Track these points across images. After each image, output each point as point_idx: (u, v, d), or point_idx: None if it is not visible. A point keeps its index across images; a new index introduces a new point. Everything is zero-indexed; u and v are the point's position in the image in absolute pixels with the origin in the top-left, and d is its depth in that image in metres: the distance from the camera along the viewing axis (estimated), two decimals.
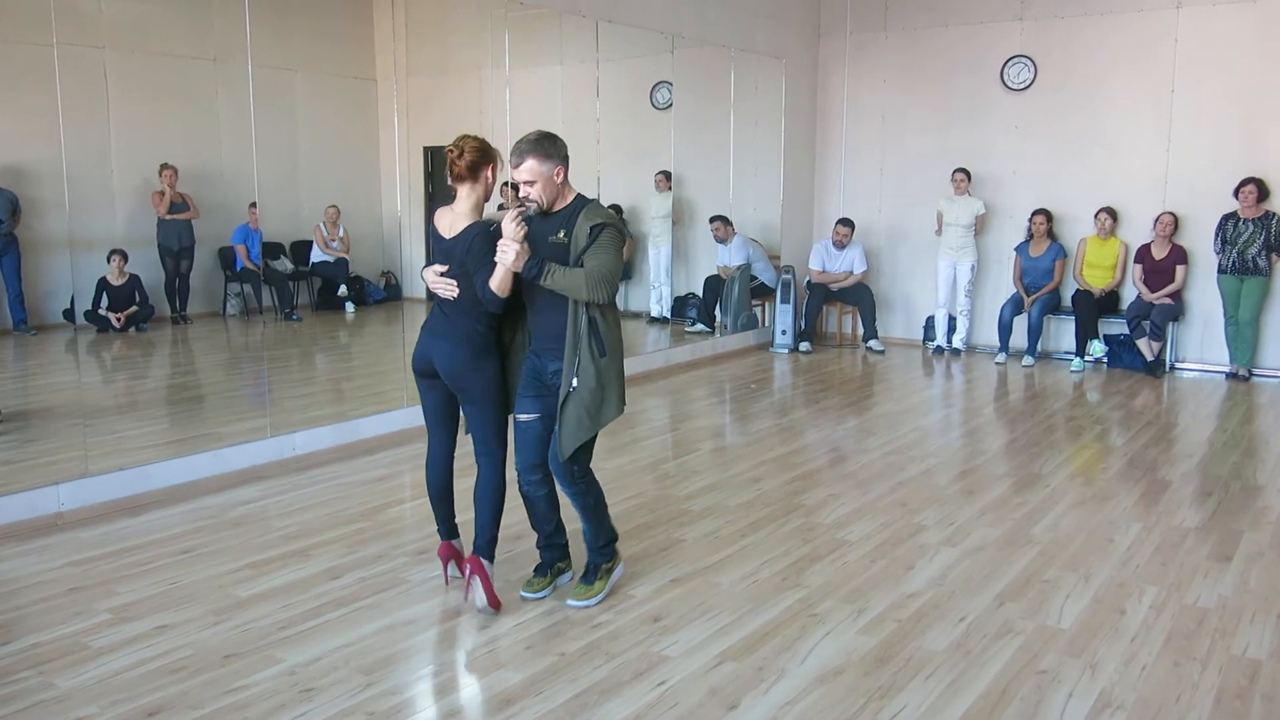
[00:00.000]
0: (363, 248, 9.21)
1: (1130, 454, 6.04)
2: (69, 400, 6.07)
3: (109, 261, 7.17)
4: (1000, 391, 8.07)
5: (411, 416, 6.34)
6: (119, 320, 7.29)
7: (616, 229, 3.49)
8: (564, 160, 3.50)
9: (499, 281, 3.45)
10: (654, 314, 9.92)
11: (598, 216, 3.48)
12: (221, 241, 7.92)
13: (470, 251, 3.50)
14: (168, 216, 7.48)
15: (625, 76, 9.38)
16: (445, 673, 3.29)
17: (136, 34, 7.49)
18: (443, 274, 3.60)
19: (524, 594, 3.83)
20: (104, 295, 7.24)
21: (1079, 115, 9.07)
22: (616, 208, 9.94)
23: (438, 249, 3.62)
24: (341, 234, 8.87)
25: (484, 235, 3.50)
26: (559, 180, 3.50)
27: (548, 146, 3.47)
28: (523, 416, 3.68)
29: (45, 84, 5.10)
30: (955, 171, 9.34)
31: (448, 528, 3.89)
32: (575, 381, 3.49)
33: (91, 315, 7.15)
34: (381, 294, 9.51)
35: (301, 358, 8.54)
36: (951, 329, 9.54)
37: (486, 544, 3.72)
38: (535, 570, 3.93)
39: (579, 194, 3.58)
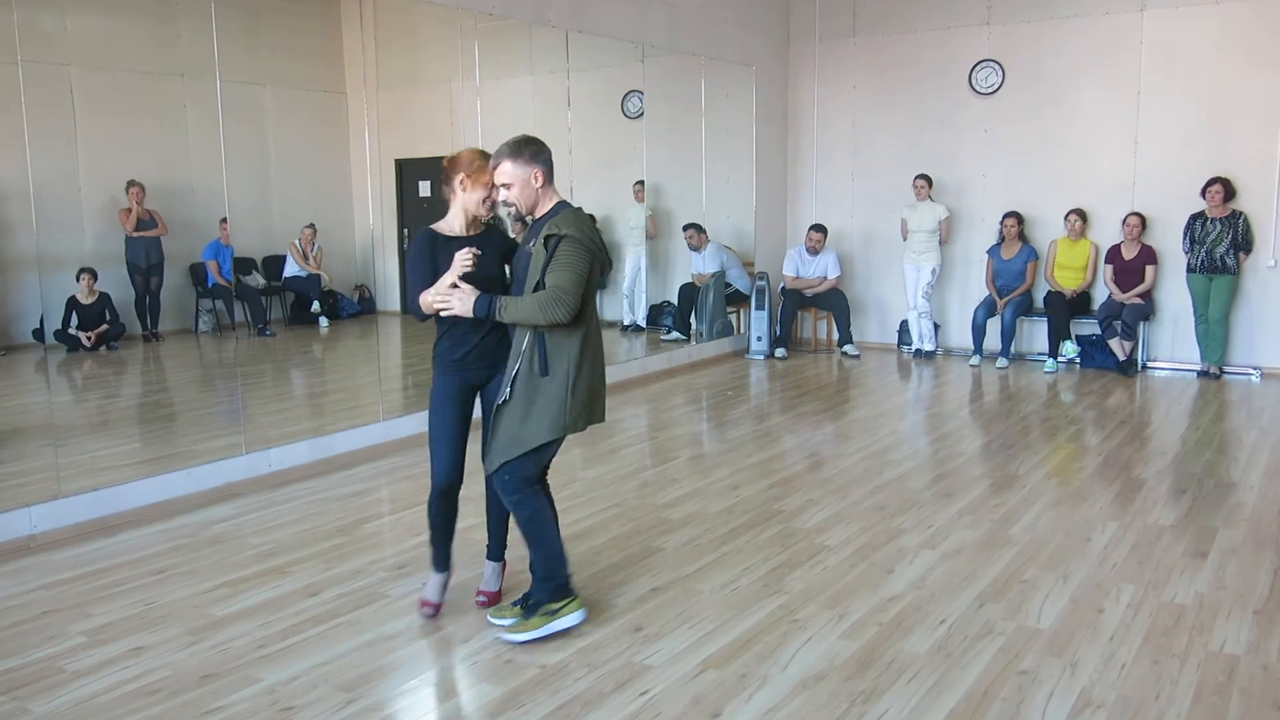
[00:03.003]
0: (335, 261, 9.16)
1: (1105, 453, 6.09)
2: (40, 421, 6.01)
3: (78, 280, 7.09)
4: (975, 394, 8.12)
5: (387, 430, 6.32)
6: (89, 339, 7.21)
7: (575, 239, 3.33)
8: (544, 165, 3.41)
9: (425, 304, 3.44)
10: (626, 323, 9.92)
11: (556, 227, 3.34)
12: (192, 258, 7.85)
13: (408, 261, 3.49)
14: (135, 234, 7.40)
15: (596, 86, 9.39)
16: (426, 688, 3.28)
17: (102, 50, 7.43)
18: (469, 263, 3.41)
19: (492, 619, 3.70)
20: (73, 314, 7.16)
21: (1047, 118, 9.17)
22: (591, 216, 9.94)
23: (449, 251, 3.46)
24: (316, 250, 8.82)
25: (416, 247, 3.55)
26: (538, 185, 3.41)
27: (525, 149, 3.38)
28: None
29: (10, 102, 5.05)
30: (916, 178, 9.42)
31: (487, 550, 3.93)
32: (508, 393, 3.41)
33: (61, 334, 7.07)
34: (355, 308, 9.46)
35: (275, 373, 8.49)
36: (922, 333, 9.60)
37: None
38: (516, 600, 3.79)
39: (561, 201, 3.46)
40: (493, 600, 3.85)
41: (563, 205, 3.46)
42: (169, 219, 7.58)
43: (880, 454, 6.09)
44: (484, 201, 3.54)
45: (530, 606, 3.60)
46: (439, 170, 3.67)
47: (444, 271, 3.44)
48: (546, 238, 3.33)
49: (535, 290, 3.33)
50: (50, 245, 5.91)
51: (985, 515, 4.89)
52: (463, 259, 3.37)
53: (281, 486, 5.52)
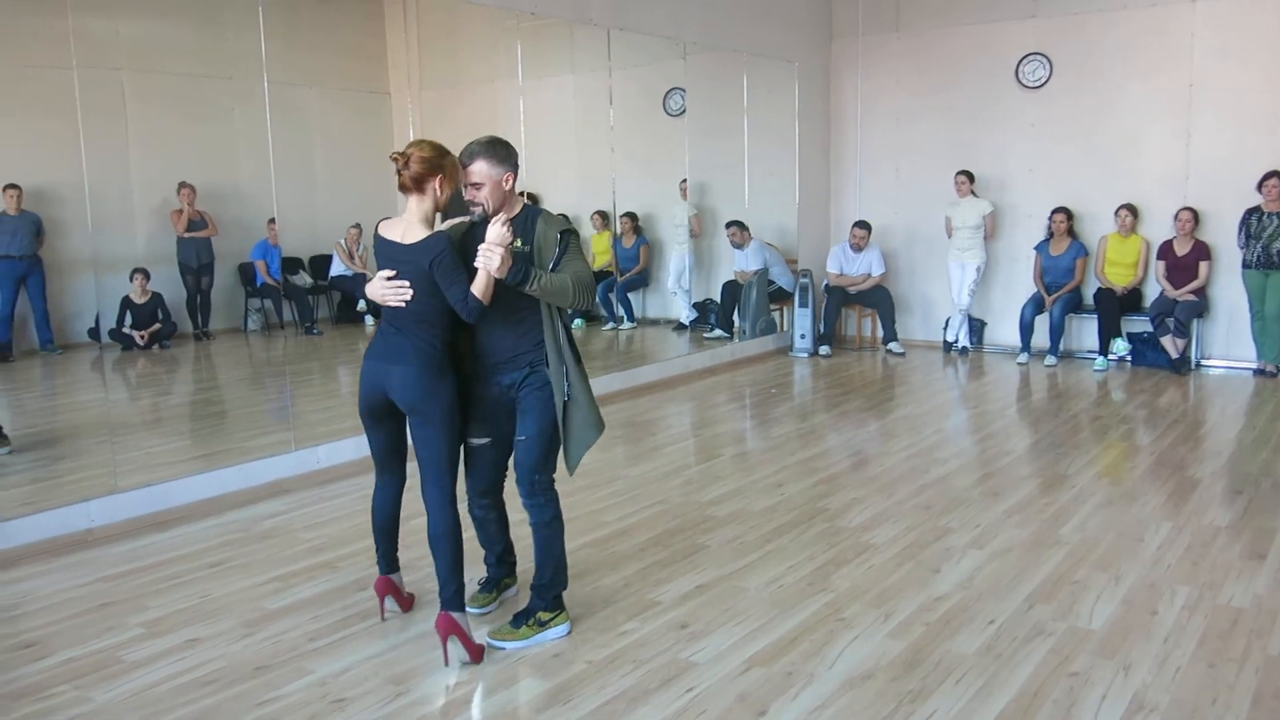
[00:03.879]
0: None
1: (1158, 453, 6.01)
2: (96, 418, 6.13)
3: (131, 280, 7.24)
4: (1023, 392, 8.04)
5: None
6: (142, 338, 7.36)
7: (578, 235, 3.46)
8: (514, 168, 3.39)
9: (482, 288, 3.25)
10: (683, 321, 9.94)
11: (560, 223, 3.39)
12: (241, 258, 7.98)
13: (438, 263, 3.23)
14: (186, 234, 7.54)
15: (638, 84, 9.41)
16: (474, 682, 3.31)
17: (153, 54, 7.57)
18: (391, 279, 3.31)
19: (470, 609, 3.69)
20: (127, 313, 7.32)
21: (1096, 111, 9.04)
22: (603, 214, 9.95)
23: (386, 257, 3.33)
24: (361, 250, 8.92)
25: (450, 245, 3.27)
26: (508, 187, 3.37)
27: (499, 151, 3.34)
28: (476, 441, 3.55)
29: (65, 107, 5.17)
30: (957, 175, 9.35)
31: (389, 562, 3.73)
32: (568, 391, 3.41)
33: (115, 334, 7.23)
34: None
35: (323, 371, 8.60)
36: (968, 327, 9.52)
37: (454, 596, 3.35)
38: (481, 586, 3.88)
39: (527, 204, 3.45)
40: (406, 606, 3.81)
41: (531, 207, 3.44)
42: (218, 219, 7.71)
43: (926, 452, 6.06)
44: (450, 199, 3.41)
45: (521, 614, 3.57)
46: None
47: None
48: (562, 232, 3.36)
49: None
50: (104, 246, 6.04)
51: (1034, 515, 4.85)
52: (502, 224, 3.27)
53: (330, 483, 5.60)
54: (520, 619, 3.56)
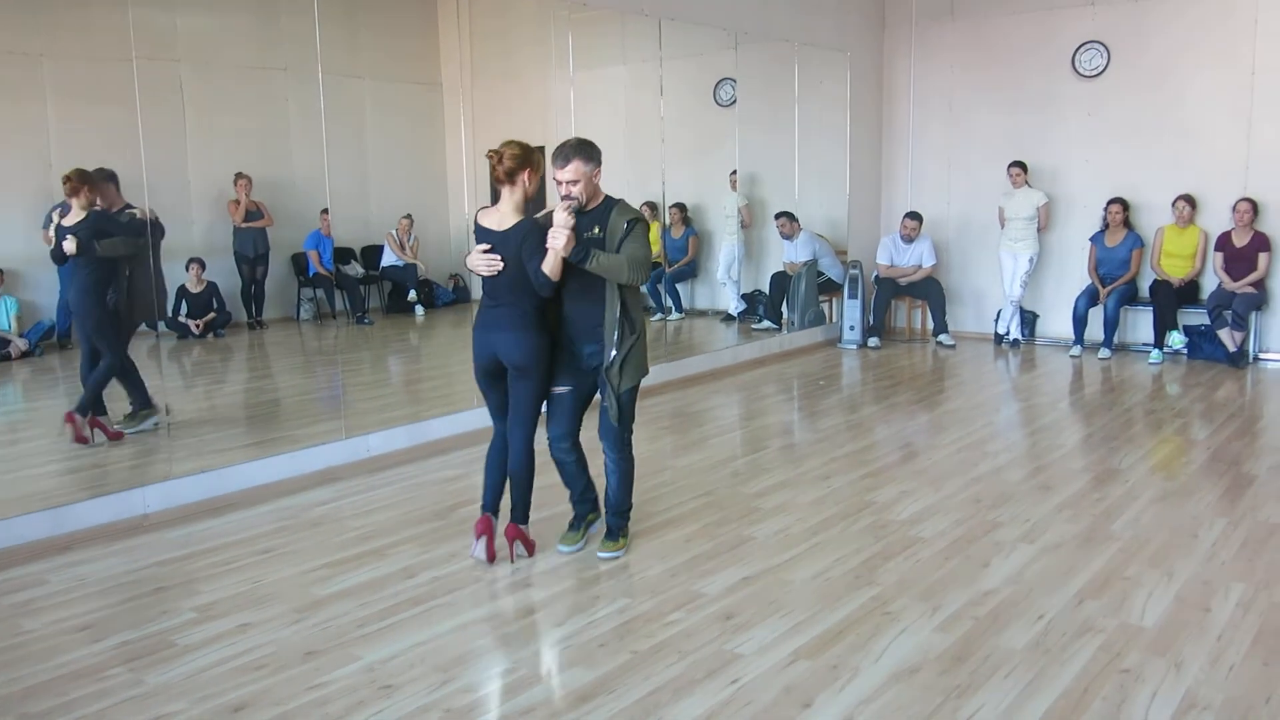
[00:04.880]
0: (431, 252, 9.32)
1: (1213, 448, 5.88)
2: (157, 403, 6.24)
3: (187, 270, 7.36)
4: (1075, 385, 7.91)
5: (482, 417, 6.41)
6: (198, 327, 7.47)
7: (645, 224, 4.02)
8: (600, 164, 3.97)
9: (551, 266, 3.88)
10: (731, 312, 9.91)
11: (630, 213, 3.98)
12: (294, 248, 8.07)
13: (525, 242, 3.90)
14: (243, 225, 7.65)
15: (688, 74, 9.37)
16: (519, 670, 3.33)
17: (210, 47, 7.67)
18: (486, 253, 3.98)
19: (562, 548, 4.29)
20: (183, 303, 7.43)
21: (1155, 100, 8.85)
22: (652, 204, 9.95)
23: (485, 241, 4.00)
24: (412, 240, 8.99)
25: (536, 228, 3.91)
26: (596, 181, 3.97)
27: (590, 150, 3.94)
28: (559, 389, 4.15)
29: (125, 98, 5.25)
30: (1010, 166, 9.21)
31: (493, 501, 4.23)
32: (614, 353, 4.01)
33: (172, 322, 7.35)
34: (450, 296, 9.61)
35: (373, 360, 8.68)
36: (1020, 319, 9.38)
37: (524, 513, 4.19)
38: (570, 525, 4.39)
39: (607, 195, 4.04)
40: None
41: (610, 198, 4.03)
42: (273, 210, 7.80)
43: (976, 445, 5.98)
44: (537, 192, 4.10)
45: (612, 530, 4.30)
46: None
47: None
48: (629, 220, 3.94)
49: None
50: (168, 238, 6.13)
51: (1086, 509, 4.77)
52: (566, 209, 3.87)
53: (380, 471, 5.65)
54: (614, 534, 4.29)
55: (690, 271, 10.24)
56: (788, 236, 9.69)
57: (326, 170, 6.33)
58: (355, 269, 8.72)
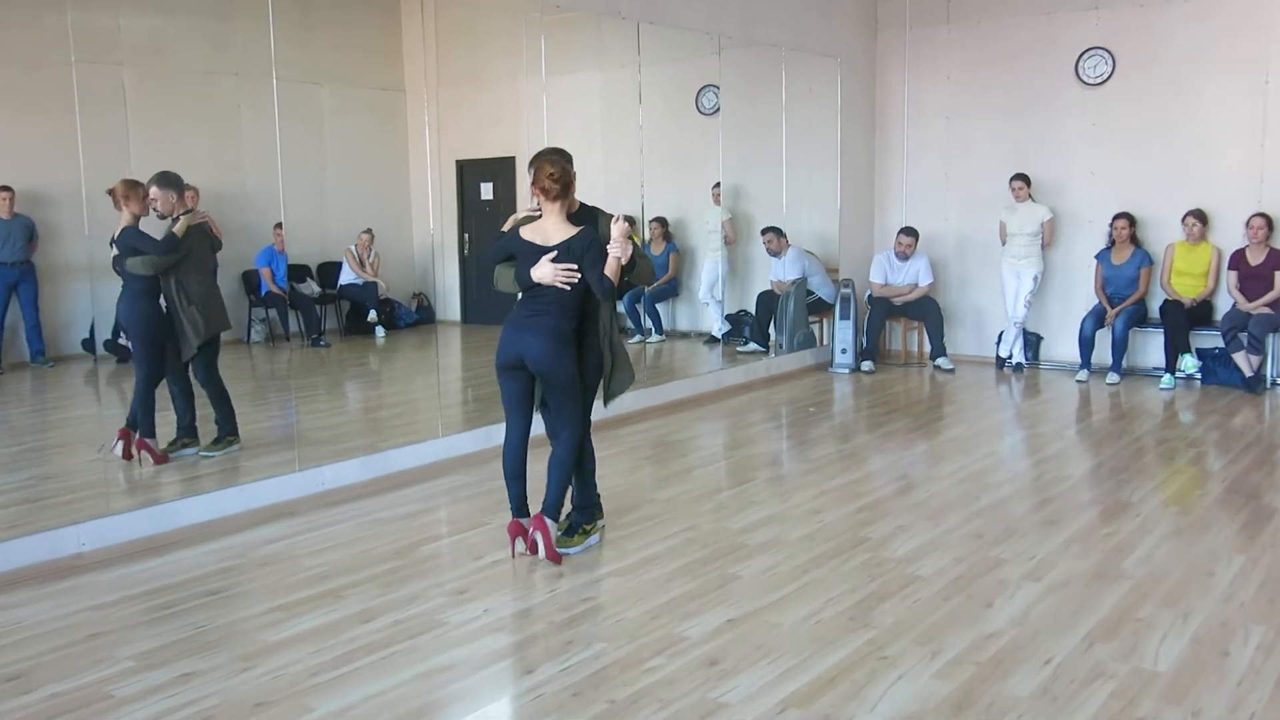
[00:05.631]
0: (393, 269, 9.29)
1: (1229, 479, 5.91)
2: (89, 435, 6.18)
3: None
4: (1083, 412, 7.95)
5: (449, 447, 6.38)
6: None
7: None
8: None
9: (614, 271, 4.43)
10: (715, 334, 9.91)
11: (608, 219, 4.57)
12: (245, 265, 8.02)
13: (589, 252, 4.40)
14: None
15: (669, 81, 9.42)
16: None
17: (156, 50, 7.64)
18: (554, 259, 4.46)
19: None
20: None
21: (1163, 110, 8.96)
22: (630, 219, 9.96)
23: (535, 254, 4.45)
24: (373, 257, 8.96)
25: (599, 240, 4.43)
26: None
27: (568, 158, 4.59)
28: None
29: (64, 105, 5.21)
30: (1013, 179, 9.28)
31: (519, 505, 4.67)
32: (612, 355, 4.67)
33: (112, 345, 7.27)
34: (413, 317, 9.58)
35: (330, 386, 8.64)
36: (1023, 341, 9.43)
37: (553, 505, 4.57)
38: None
39: (583, 202, 4.63)
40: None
41: (587, 206, 4.64)
42: (222, 224, 7.75)
43: (977, 477, 5.99)
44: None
45: (571, 529, 4.79)
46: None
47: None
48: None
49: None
50: (102, 251, 6.07)
51: (1095, 545, 4.77)
52: (621, 222, 4.44)
53: (335, 506, 5.60)
54: (572, 531, 4.78)
55: (671, 290, 10.25)
56: (775, 253, 9.72)
57: (281, 181, 6.31)
58: (311, 287, 8.67)
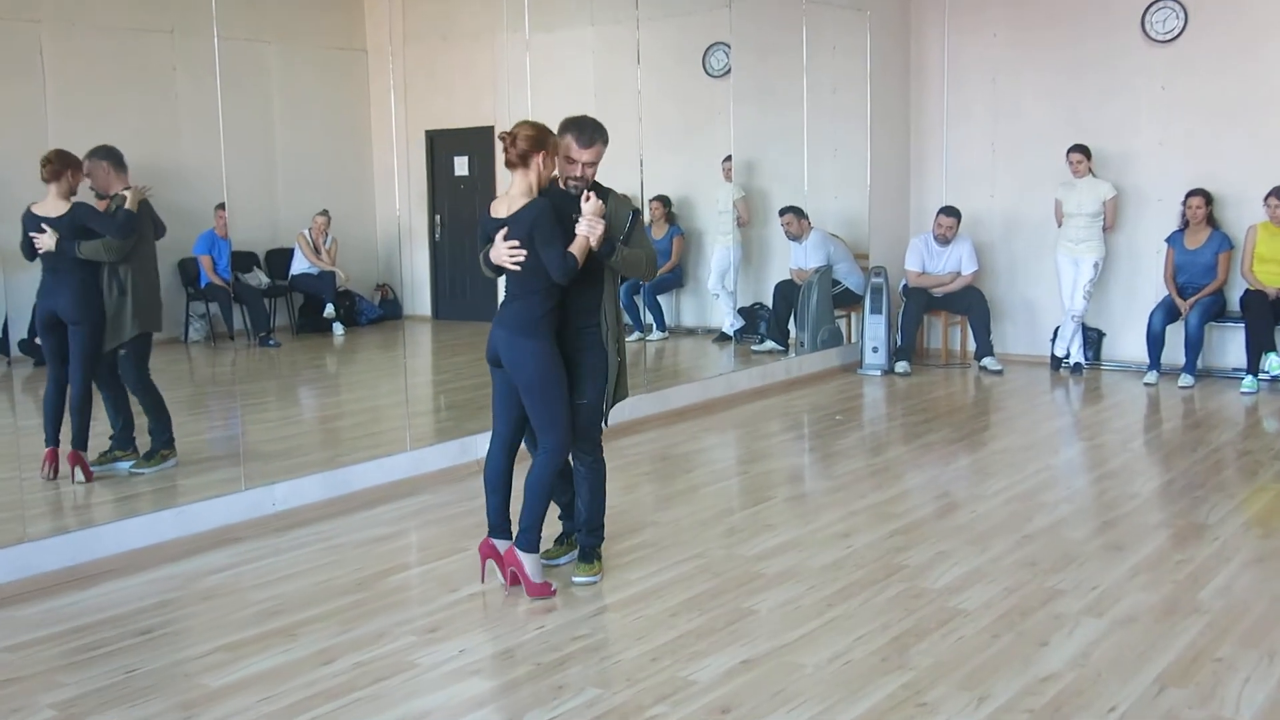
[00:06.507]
0: (353, 257, 9.32)
1: None
2: (2, 450, 6.18)
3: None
4: (1152, 420, 7.96)
5: (415, 462, 6.39)
6: None
7: (642, 217, 4.79)
8: None
9: (580, 250, 4.37)
10: (726, 330, 9.91)
11: (629, 204, 4.66)
12: (182, 253, 8.04)
13: (537, 226, 4.35)
14: None
15: (672, 38, 9.45)
16: None
17: (77, 4, 7.66)
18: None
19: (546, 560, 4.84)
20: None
21: (1243, 71, 8.97)
22: (665, 198, 10.01)
23: (493, 231, 4.49)
24: (330, 243, 8.97)
25: (549, 209, 4.38)
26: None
27: (606, 134, 4.54)
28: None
29: None
30: (1070, 151, 9.27)
31: (496, 522, 4.68)
32: (617, 352, 4.68)
33: (28, 345, 7.28)
34: (377, 312, 9.61)
35: (281, 392, 8.65)
36: (1082, 338, 9.45)
37: (525, 532, 4.57)
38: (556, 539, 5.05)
39: (597, 182, 4.61)
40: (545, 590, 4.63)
41: (601, 186, 4.61)
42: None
43: (1030, 495, 6.01)
44: (562, 177, 4.54)
45: (587, 553, 4.82)
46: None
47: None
48: (633, 211, 4.65)
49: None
50: (12, 238, 6.09)
51: (1165, 574, 4.79)
52: (599, 203, 4.41)
53: (288, 530, 5.61)
54: (590, 557, 4.81)
55: (675, 280, 10.28)
56: (795, 237, 9.74)
57: (223, 155, 6.31)
58: (258, 278, 8.69)
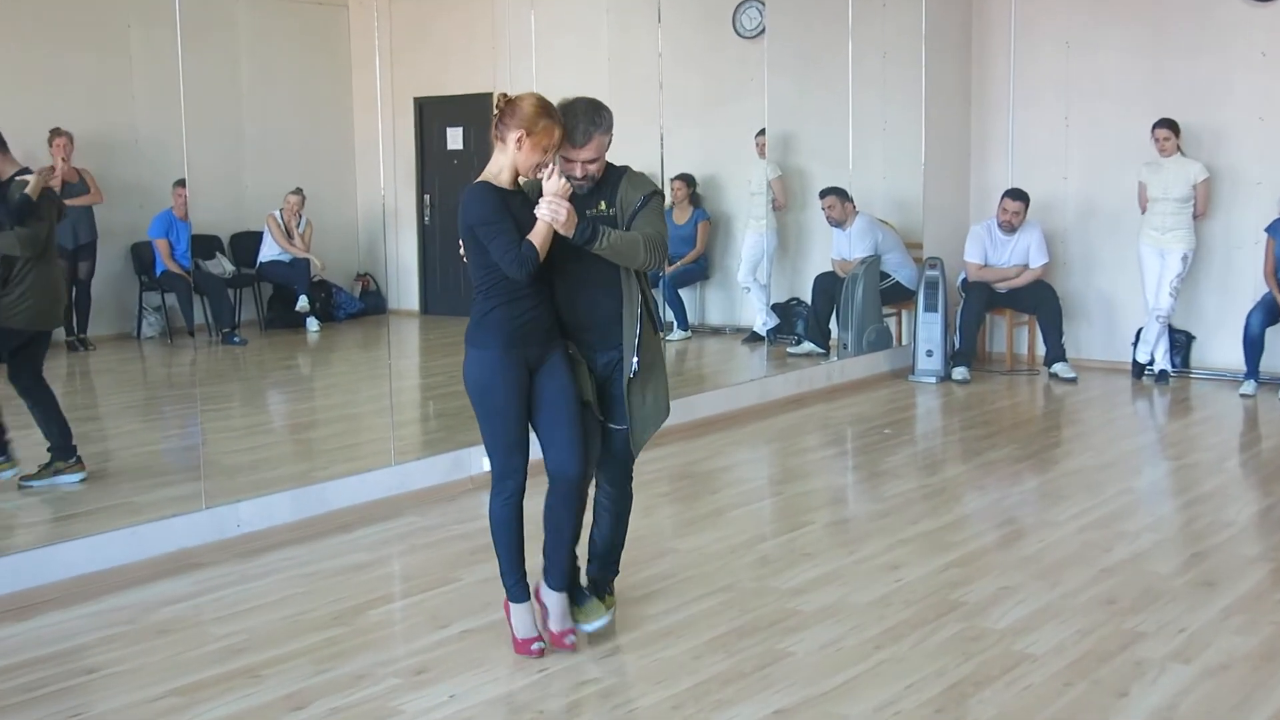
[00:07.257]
0: (330, 242, 9.33)
1: None
2: None
3: None
4: (1248, 437, 7.94)
5: (400, 478, 6.39)
6: None
7: (663, 197, 4.49)
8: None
9: (541, 238, 4.07)
10: (758, 329, 9.90)
11: (646, 185, 4.42)
12: (136, 235, 8.07)
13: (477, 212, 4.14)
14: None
15: None
16: None
17: None
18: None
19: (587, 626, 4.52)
20: None
21: None
22: (688, 177, 10.00)
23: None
24: (304, 226, 8.99)
25: (490, 192, 4.13)
26: (607, 152, 4.34)
27: (606, 117, 4.25)
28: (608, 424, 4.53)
29: None
30: (1157, 127, 9.23)
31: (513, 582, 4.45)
32: (636, 363, 4.39)
33: None
34: (357, 305, 9.62)
35: (247, 396, 8.67)
36: (1169, 342, 9.42)
37: (513, 586, 4.41)
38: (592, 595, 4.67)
39: (610, 163, 4.40)
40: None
41: (614, 166, 4.42)
42: (105, 181, 7.79)
43: (1107, 523, 5.99)
44: (537, 168, 4.16)
45: (600, 586, 4.68)
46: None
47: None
48: (646, 195, 4.35)
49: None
50: None
51: (1264, 615, 4.77)
52: (558, 175, 4.13)
53: (255, 555, 5.62)
54: (601, 592, 4.66)
55: (700, 271, 10.28)
56: (838, 223, 9.73)
57: (184, 125, 6.33)
58: (222, 266, 8.72)
